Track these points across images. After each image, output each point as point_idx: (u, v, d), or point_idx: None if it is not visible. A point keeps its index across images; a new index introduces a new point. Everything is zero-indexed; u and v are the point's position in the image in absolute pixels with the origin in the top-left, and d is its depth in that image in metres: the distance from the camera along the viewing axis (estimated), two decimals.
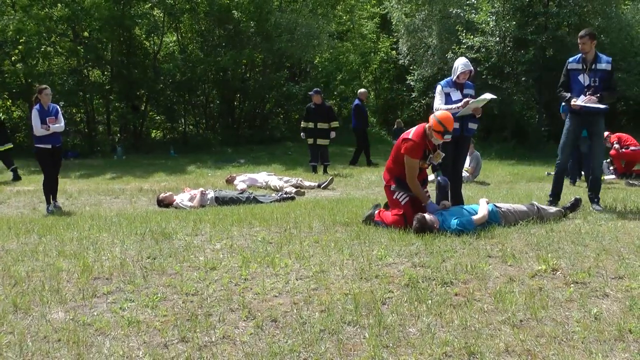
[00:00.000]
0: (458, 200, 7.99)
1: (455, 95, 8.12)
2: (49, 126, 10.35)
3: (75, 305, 4.54)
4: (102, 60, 25.70)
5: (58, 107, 10.93)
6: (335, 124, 16.36)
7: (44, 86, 10.95)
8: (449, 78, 8.33)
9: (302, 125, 16.59)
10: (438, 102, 8.22)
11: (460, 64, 8.15)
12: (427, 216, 6.63)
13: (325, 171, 16.38)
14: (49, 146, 10.55)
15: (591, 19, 23.44)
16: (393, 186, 7.22)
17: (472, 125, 8.25)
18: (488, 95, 8.11)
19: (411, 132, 7.06)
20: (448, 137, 7.17)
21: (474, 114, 8.12)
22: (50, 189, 10.74)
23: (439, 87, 8.30)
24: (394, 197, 7.18)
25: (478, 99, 8.07)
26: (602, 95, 7.73)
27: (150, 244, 6.37)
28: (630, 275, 4.77)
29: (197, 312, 4.26)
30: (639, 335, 3.70)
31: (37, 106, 10.52)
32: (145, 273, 5.25)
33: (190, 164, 20.03)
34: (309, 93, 17.07)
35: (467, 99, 7.94)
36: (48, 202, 10.72)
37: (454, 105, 8.00)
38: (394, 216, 7.03)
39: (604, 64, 7.86)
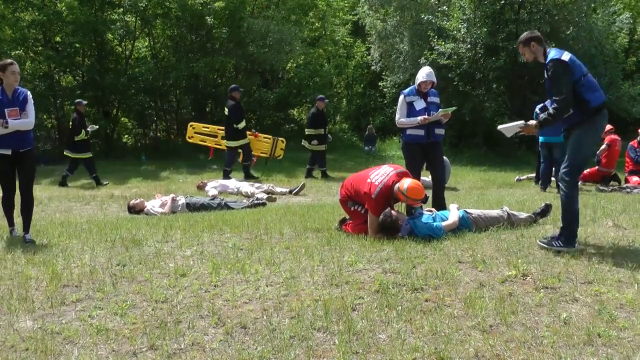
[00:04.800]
0: (440, 204, 7.99)
1: (419, 104, 8.13)
2: (6, 121, 7.06)
3: (44, 313, 4.48)
4: (73, 66, 25.49)
5: (28, 93, 7.46)
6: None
7: (9, 61, 7.38)
8: (412, 86, 8.36)
9: (312, 133, 16.67)
10: (398, 115, 8.26)
11: (423, 74, 8.18)
12: (394, 212, 6.69)
13: (310, 175, 16.75)
14: (9, 151, 7.25)
15: (562, 27, 23.70)
16: (349, 202, 7.26)
17: (439, 131, 8.24)
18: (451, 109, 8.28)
19: (376, 188, 6.73)
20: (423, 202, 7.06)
21: (440, 119, 8.16)
22: (11, 208, 7.74)
23: (401, 98, 8.31)
24: (352, 209, 7.23)
25: (443, 109, 8.13)
26: (540, 122, 6.06)
27: (120, 251, 6.31)
28: (599, 280, 4.81)
29: (166, 320, 4.21)
30: (607, 339, 3.72)
31: None
32: (115, 280, 5.20)
33: (162, 170, 19.91)
34: (318, 98, 17.21)
35: (424, 117, 7.99)
36: (10, 224, 7.81)
37: (417, 119, 8.02)
38: (358, 226, 7.06)
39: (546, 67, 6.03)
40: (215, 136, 17.65)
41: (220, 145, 16.98)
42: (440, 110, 8.10)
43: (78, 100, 16.63)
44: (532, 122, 6.24)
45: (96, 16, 24.45)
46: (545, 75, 6.00)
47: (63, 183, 16.12)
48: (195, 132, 18.24)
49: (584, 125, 5.89)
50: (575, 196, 5.93)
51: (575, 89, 5.83)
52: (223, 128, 16.42)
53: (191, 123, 18.92)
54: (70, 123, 16.21)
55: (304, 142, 17.01)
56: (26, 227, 7.45)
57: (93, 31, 24.64)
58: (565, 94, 5.76)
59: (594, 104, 5.83)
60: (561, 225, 5.98)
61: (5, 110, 7.12)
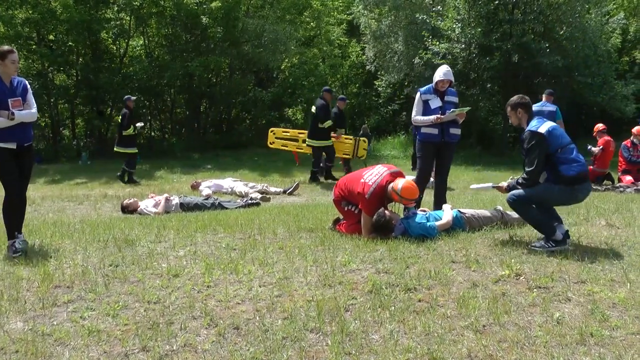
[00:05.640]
0: (440, 205, 7.92)
1: (435, 102, 8.08)
2: (12, 112, 6.29)
3: (35, 314, 4.44)
4: (67, 64, 25.44)
5: (27, 82, 6.76)
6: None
7: (8, 48, 6.61)
8: (430, 85, 8.29)
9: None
10: (414, 112, 8.24)
11: (441, 72, 8.10)
12: (387, 212, 6.69)
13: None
14: (14, 145, 6.41)
15: (556, 27, 23.74)
16: (343, 202, 7.24)
17: (455, 131, 8.19)
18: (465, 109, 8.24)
19: (369, 188, 6.71)
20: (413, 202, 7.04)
21: (455, 119, 8.14)
22: (14, 213, 6.63)
23: (417, 95, 8.27)
24: (346, 209, 7.20)
25: (457, 109, 8.09)
26: (509, 187, 6.21)
27: (113, 251, 6.28)
28: (592, 280, 4.82)
29: (158, 321, 4.19)
30: (600, 338, 3.73)
31: None
32: (107, 281, 5.17)
33: (156, 170, 19.89)
34: (339, 98, 17.07)
35: (437, 116, 7.95)
36: (11, 236, 6.55)
37: (430, 117, 8.00)
38: (351, 226, 7.05)
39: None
40: (297, 140, 17.08)
41: (302, 149, 16.58)
42: (453, 109, 8.06)
43: (127, 96, 16.89)
44: (503, 184, 6.35)
45: (90, 15, 24.40)
46: (522, 144, 6.06)
47: (130, 180, 16.47)
48: (276, 138, 17.56)
49: (562, 185, 5.90)
50: (524, 207, 6.01)
51: (551, 159, 5.89)
52: (304, 132, 16.16)
53: (272, 129, 18.14)
54: (120, 118, 16.45)
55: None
56: (19, 226, 6.69)
57: (87, 30, 24.63)
58: (535, 166, 5.87)
59: (567, 174, 5.83)
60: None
61: (9, 100, 6.36)
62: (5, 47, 6.60)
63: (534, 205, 6.00)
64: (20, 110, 6.40)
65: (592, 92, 23.75)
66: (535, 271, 5.07)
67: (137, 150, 16.67)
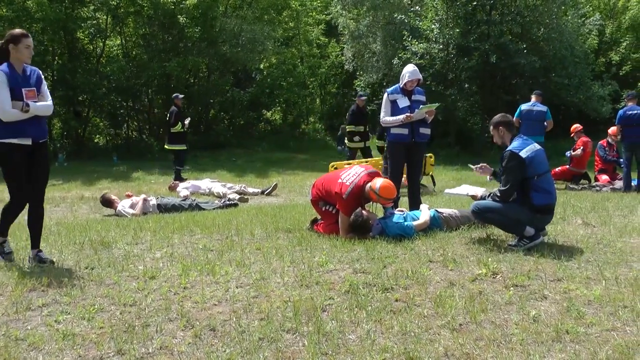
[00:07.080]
0: (416, 205, 7.95)
1: (403, 102, 8.08)
2: (27, 104, 5.60)
3: (8, 319, 4.37)
4: (44, 64, 25.16)
5: (41, 72, 6.06)
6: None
7: (21, 31, 5.81)
8: (397, 84, 8.29)
9: (353, 129, 16.28)
10: (382, 113, 8.23)
11: (408, 71, 8.11)
12: (365, 212, 6.71)
13: None
14: (29, 141, 5.72)
15: (533, 28, 23.90)
16: (320, 203, 7.25)
17: (424, 131, 8.19)
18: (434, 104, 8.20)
19: (347, 188, 6.73)
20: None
21: (425, 118, 8.13)
22: (12, 215, 6.14)
23: (385, 96, 8.27)
24: (324, 209, 7.21)
25: (426, 105, 8.08)
26: (483, 197, 6.44)
27: (89, 254, 6.23)
28: (568, 278, 4.85)
29: (134, 323, 4.15)
30: (575, 335, 3.74)
31: (4, 67, 5.67)
32: (83, 284, 5.11)
33: (134, 171, 19.76)
34: (358, 95, 17.15)
35: (407, 115, 7.95)
36: (4, 233, 6.13)
37: (400, 117, 8.00)
38: (329, 226, 7.06)
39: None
40: None
41: None
42: (422, 106, 8.05)
43: (175, 94, 16.94)
44: (478, 193, 6.62)
45: (66, 13, 24.17)
46: (501, 162, 6.10)
47: (177, 177, 16.20)
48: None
49: (526, 209, 5.96)
50: (486, 214, 6.14)
51: (525, 183, 5.94)
52: (370, 159, 14.86)
53: (332, 163, 15.41)
54: (168, 115, 16.56)
55: (345, 140, 16.72)
56: (37, 242, 6.11)
57: (63, 29, 24.40)
58: (509, 187, 5.94)
59: (535, 203, 5.91)
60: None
61: (23, 90, 5.66)
62: (18, 31, 5.83)
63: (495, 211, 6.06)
64: (35, 101, 5.72)
65: (569, 92, 23.93)
66: (512, 270, 5.10)
67: (185, 147, 16.60)
